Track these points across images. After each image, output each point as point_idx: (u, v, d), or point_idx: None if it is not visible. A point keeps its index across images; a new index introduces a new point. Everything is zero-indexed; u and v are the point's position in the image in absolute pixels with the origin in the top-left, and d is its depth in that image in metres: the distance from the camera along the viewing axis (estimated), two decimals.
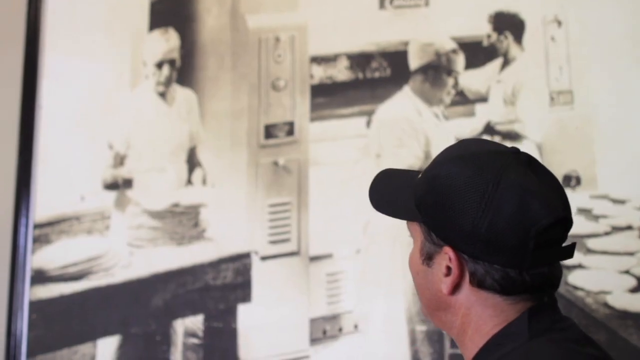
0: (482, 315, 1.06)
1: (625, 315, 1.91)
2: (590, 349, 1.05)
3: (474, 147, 1.10)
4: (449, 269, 1.06)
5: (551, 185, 1.06)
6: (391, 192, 1.20)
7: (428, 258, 1.10)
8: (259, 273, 2.15)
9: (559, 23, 2.09)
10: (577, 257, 1.95)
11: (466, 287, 1.06)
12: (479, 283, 1.05)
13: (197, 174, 2.25)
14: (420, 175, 1.14)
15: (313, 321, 2.10)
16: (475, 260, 1.04)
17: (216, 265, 2.18)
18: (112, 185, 2.29)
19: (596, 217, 1.98)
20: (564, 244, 1.06)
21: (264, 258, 2.16)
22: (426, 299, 1.13)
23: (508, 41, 2.11)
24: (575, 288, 1.93)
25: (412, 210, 1.12)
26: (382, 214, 1.22)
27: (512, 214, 1.00)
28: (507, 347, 1.02)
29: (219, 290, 2.17)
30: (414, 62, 2.16)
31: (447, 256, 1.06)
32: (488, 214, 1.01)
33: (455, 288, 1.07)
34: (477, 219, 1.01)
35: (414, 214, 1.11)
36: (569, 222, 1.05)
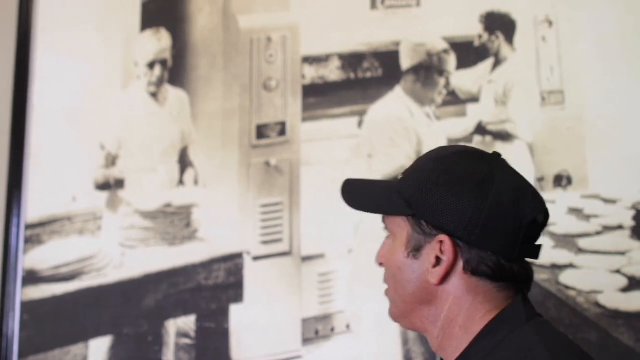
0: (474, 302, 1.11)
1: (616, 315, 1.91)
2: (565, 335, 1.13)
3: (457, 149, 1.18)
4: (437, 259, 1.11)
5: (531, 186, 1.14)
6: (370, 192, 1.24)
7: (415, 250, 1.14)
8: (251, 273, 2.15)
9: (550, 23, 2.09)
10: (569, 257, 1.96)
11: (456, 276, 1.11)
12: (473, 270, 1.10)
13: (189, 174, 2.25)
14: (401, 176, 1.20)
15: (305, 321, 2.10)
16: (470, 247, 1.09)
17: (208, 265, 2.18)
18: (103, 186, 2.29)
19: (587, 217, 1.98)
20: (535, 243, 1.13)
21: (256, 258, 2.16)
22: (408, 294, 1.16)
23: (499, 41, 2.11)
24: (567, 287, 1.94)
25: (398, 205, 1.16)
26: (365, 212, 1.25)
27: (510, 203, 1.08)
28: (506, 329, 1.08)
29: (211, 290, 2.17)
30: (405, 62, 2.16)
31: (438, 246, 1.11)
32: (488, 202, 1.07)
33: (445, 277, 1.11)
34: (478, 206, 1.07)
35: (400, 207, 1.15)
36: (547, 218, 1.12)
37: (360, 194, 1.26)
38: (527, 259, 1.13)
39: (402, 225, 1.16)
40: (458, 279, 1.11)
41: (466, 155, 1.14)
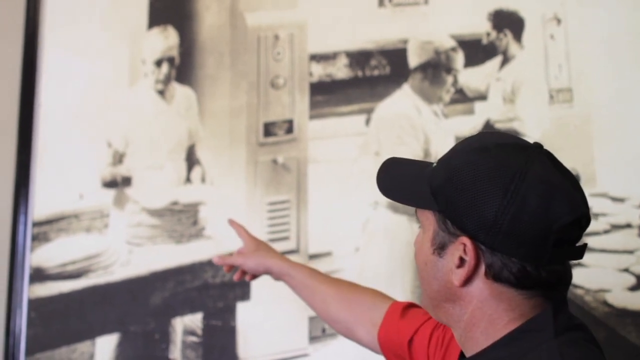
0: (497, 309, 1.04)
1: (624, 314, 1.91)
2: (599, 349, 1.05)
3: (497, 139, 1.08)
4: (461, 260, 1.05)
5: (572, 183, 1.04)
6: (402, 179, 1.17)
7: (440, 248, 1.08)
8: None
9: (559, 21, 2.08)
10: None
11: (479, 280, 1.05)
12: (494, 276, 1.03)
13: (196, 172, 2.25)
14: (435, 164, 1.12)
15: (312, 319, 2.10)
16: (493, 252, 1.02)
17: None
18: (111, 183, 2.29)
19: (595, 215, 1.97)
20: (577, 244, 1.05)
21: None
22: (433, 291, 1.11)
23: (507, 39, 2.10)
24: (575, 286, 1.93)
25: (426, 198, 1.10)
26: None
27: (537, 207, 0.99)
28: (530, 342, 1.01)
29: (218, 288, 2.17)
30: (413, 60, 2.16)
31: (461, 247, 1.04)
32: (512, 206, 0.99)
33: (468, 280, 1.05)
34: (501, 209, 1.00)
35: (428, 201, 1.10)
36: (588, 220, 1.04)
37: (392, 179, 1.19)
38: (571, 260, 1.06)
39: (430, 220, 1.10)
40: (482, 283, 1.05)
41: (499, 149, 1.04)
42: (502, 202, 1.00)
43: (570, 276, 1.06)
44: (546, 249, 1.00)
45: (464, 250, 1.04)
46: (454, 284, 1.06)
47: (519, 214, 0.99)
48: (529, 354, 1.00)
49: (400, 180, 1.18)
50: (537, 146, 1.06)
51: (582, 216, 1.02)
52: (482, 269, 1.04)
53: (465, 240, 1.04)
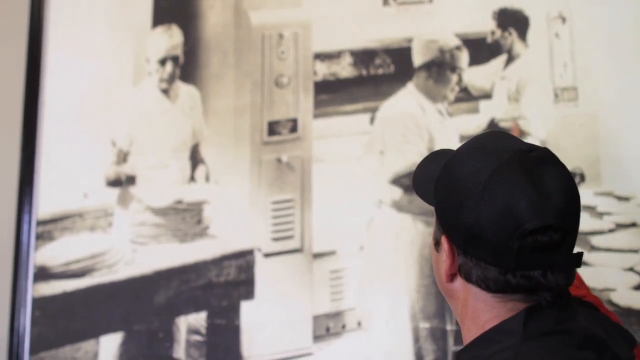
0: (476, 307, 1.06)
1: (629, 313, 1.90)
2: (589, 353, 1.01)
3: (490, 142, 1.08)
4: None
5: (553, 190, 1.01)
6: (427, 174, 1.18)
7: (437, 243, 1.12)
8: (262, 270, 2.15)
9: (563, 19, 2.08)
10: None
11: (460, 278, 1.08)
12: (466, 276, 1.06)
13: (200, 170, 2.25)
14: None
15: (316, 318, 2.10)
16: (464, 254, 1.05)
17: (219, 262, 2.18)
18: (115, 182, 2.29)
19: (600, 215, 1.97)
20: (574, 252, 1.03)
21: (267, 255, 2.15)
22: (439, 285, 1.14)
23: (512, 38, 2.10)
24: None
25: (429, 193, 1.14)
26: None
27: (497, 212, 0.99)
28: (498, 345, 1.01)
29: (222, 287, 2.16)
30: (417, 59, 2.15)
31: (446, 245, 1.07)
32: (477, 209, 1.00)
33: (451, 277, 1.08)
34: (468, 212, 1.01)
35: (430, 197, 1.14)
36: (561, 230, 1.00)
37: (420, 175, 1.23)
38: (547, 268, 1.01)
39: (435, 215, 1.13)
40: (462, 282, 1.07)
41: (482, 154, 1.04)
42: (469, 205, 1.01)
43: (554, 283, 1.01)
44: (509, 254, 0.99)
45: (445, 249, 1.08)
46: (443, 279, 1.10)
47: (481, 218, 1.00)
48: (491, 357, 1.00)
49: (424, 172, 1.21)
50: (524, 150, 1.04)
51: (550, 224, 0.99)
52: (458, 268, 1.07)
53: (443, 238, 1.08)
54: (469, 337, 1.07)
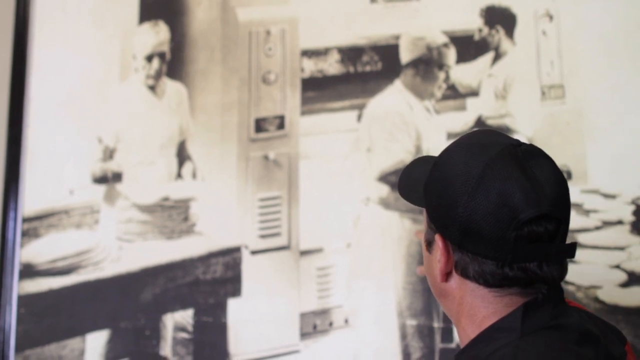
0: (473, 304, 1.06)
1: (615, 310, 1.91)
2: (587, 349, 1.02)
3: (478, 138, 1.09)
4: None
5: (545, 181, 1.02)
6: (415, 178, 1.19)
7: (428, 244, 1.12)
8: (249, 267, 2.14)
9: (551, 17, 2.08)
10: None
11: (455, 276, 1.07)
12: (463, 272, 1.06)
13: (187, 167, 2.24)
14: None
15: (303, 315, 2.10)
16: (460, 250, 1.05)
17: (206, 259, 2.17)
18: (101, 179, 2.28)
19: (587, 212, 1.98)
20: (567, 242, 1.04)
21: (254, 252, 2.15)
22: (431, 285, 1.14)
23: (499, 35, 2.10)
24: (566, 282, 1.93)
25: (418, 195, 1.14)
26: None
27: (493, 205, 1.00)
28: (498, 342, 1.01)
29: (208, 284, 2.16)
30: (405, 56, 2.15)
31: (439, 243, 1.07)
32: (471, 204, 1.01)
33: (447, 276, 1.08)
34: (461, 208, 1.02)
35: (419, 198, 1.14)
36: (555, 220, 1.02)
37: (406, 179, 1.23)
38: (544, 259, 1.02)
39: (425, 215, 1.13)
40: (457, 279, 1.07)
41: (471, 150, 1.05)
42: (462, 201, 1.02)
43: (551, 275, 1.03)
44: (507, 246, 1.00)
45: (439, 247, 1.07)
46: (438, 279, 1.09)
47: (475, 212, 1.01)
48: (492, 355, 1.00)
49: (413, 179, 1.20)
50: (513, 144, 1.05)
51: (544, 214, 1.00)
52: (454, 265, 1.07)
53: (437, 237, 1.07)
54: (465, 336, 1.07)
